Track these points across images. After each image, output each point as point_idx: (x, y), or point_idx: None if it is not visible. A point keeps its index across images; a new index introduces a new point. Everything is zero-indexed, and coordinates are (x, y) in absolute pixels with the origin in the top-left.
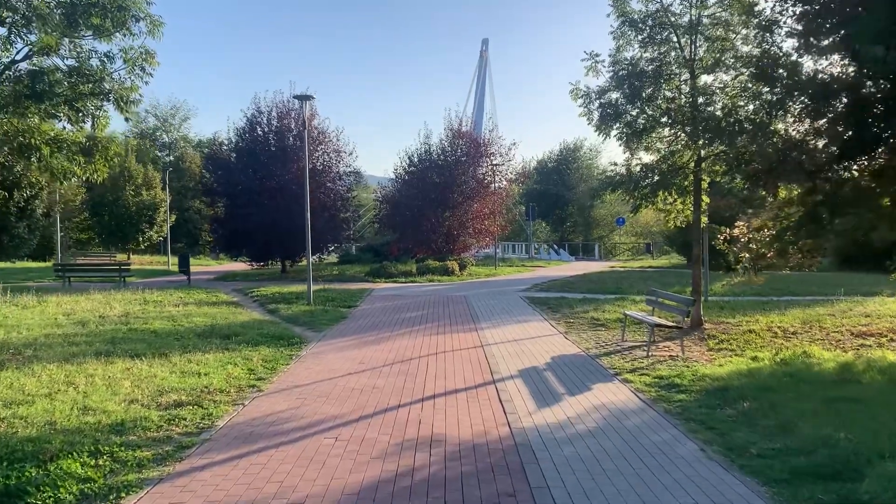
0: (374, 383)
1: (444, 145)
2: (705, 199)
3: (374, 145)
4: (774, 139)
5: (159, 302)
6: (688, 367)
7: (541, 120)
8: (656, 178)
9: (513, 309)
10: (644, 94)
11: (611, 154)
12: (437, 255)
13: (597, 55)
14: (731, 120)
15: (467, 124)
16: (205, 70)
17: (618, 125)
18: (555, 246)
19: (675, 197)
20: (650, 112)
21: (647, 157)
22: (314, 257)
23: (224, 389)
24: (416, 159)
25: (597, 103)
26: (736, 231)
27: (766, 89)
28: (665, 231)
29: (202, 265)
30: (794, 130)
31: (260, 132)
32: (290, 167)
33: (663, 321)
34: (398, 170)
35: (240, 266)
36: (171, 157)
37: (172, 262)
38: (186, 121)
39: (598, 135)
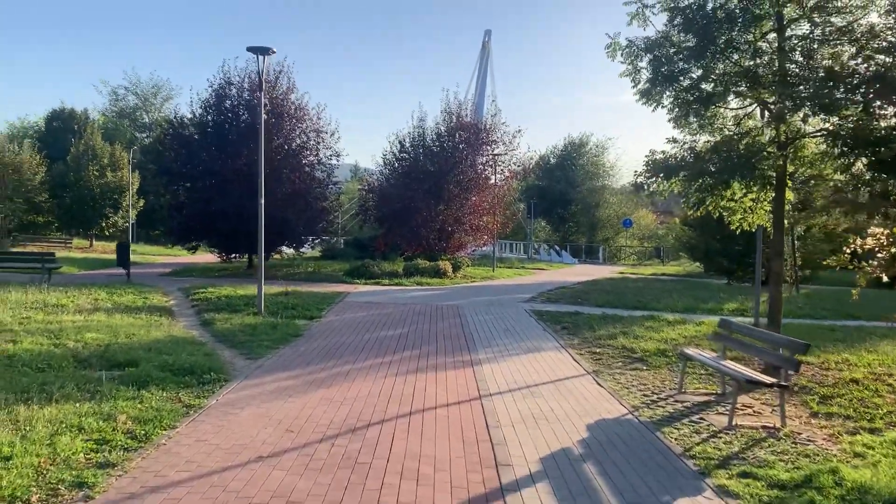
0: (294, 487)
1: (440, 129)
2: (789, 194)
3: (371, 138)
4: None
5: (61, 306)
6: (809, 456)
7: (543, 118)
8: (739, 160)
9: (518, 328)
10: (718, 46)
11: (618, 150)
12: (428, 254)
13: None
14: (869, 73)
15: (467, 108)
16: (190, 54)
17: (671, 90)
18: (556, 247)
19: (754, 190)
20: (723, 69)
21: (703, 136)
22: (289, 251)
23: (18, 498)
24: (407, 144)
25: (646, 59)
26: (870, 241)
27: None
28: (680, 234)
29: (171, 256)
30: None
31: (229, 105)
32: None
33: (758, 376)
34: (387, 155)
35: (207, 258)
36: (151, 139)
37: (132, 249)
38: (168, 101)
39: (645, 103)
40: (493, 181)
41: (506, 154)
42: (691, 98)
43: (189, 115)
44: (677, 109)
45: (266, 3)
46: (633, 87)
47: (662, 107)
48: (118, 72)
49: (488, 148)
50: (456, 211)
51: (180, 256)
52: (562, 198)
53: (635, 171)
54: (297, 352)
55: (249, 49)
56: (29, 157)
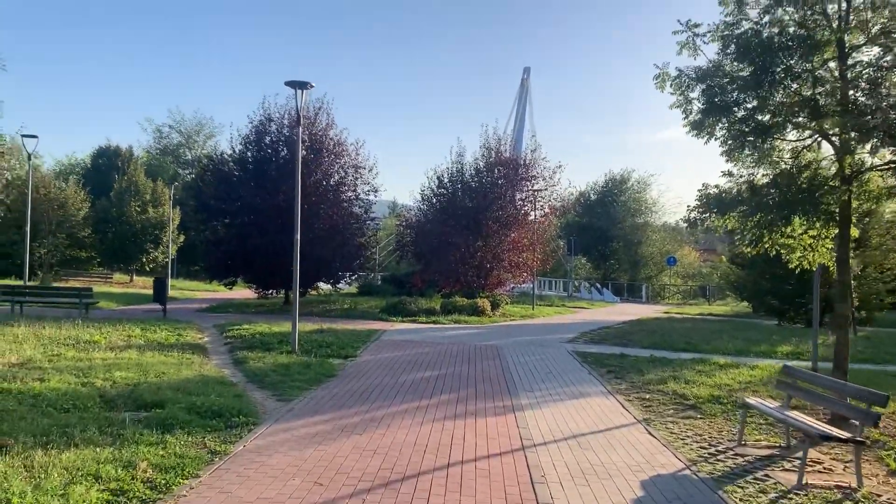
0: None
1: (478, 165)
2: (854, 231)
3: (410, 175)
4: None
5: (94, 343)
6: None
7: (582, 156)
8: (800, 195)
9: (561, 371)
10: (776, 74)
11: (661, 187)
12: (466, 291)
13: (695, 26)
14: None
15: (507, 143)
16: (233, 90)
17: (724, 122)
18: (597, 285)
19: (817, 227)
20: (781, 99)
21: (760, 169)
22: (326, 287)
23: None
24: (445, 179)
25: (698, 89)
26: None
27: None
28: (727, 273)
29: (210, 291)
30: None
31: (268, 141)
32: (302, 182)
33: (832, 430)
34: (425, 191)
35: (245, 294)
36: (193, 175)
37: (171, 284)
38: (211, 138)
39: (697, 136)
40: (532, 217)
41: (546, 190)
42: (746, 129)
43: (229, 152)
44: (731, 142)
45: (307, 42)
46: (685, 118)
47: (715, 139)
48: (163, 109)
49: (528, 183)
50: (495, 247)
51: (219, 292)
52: (602, 235)
53: (688, 206)
54: (330, 394)
55: (288, 83)
56: (74, 193)
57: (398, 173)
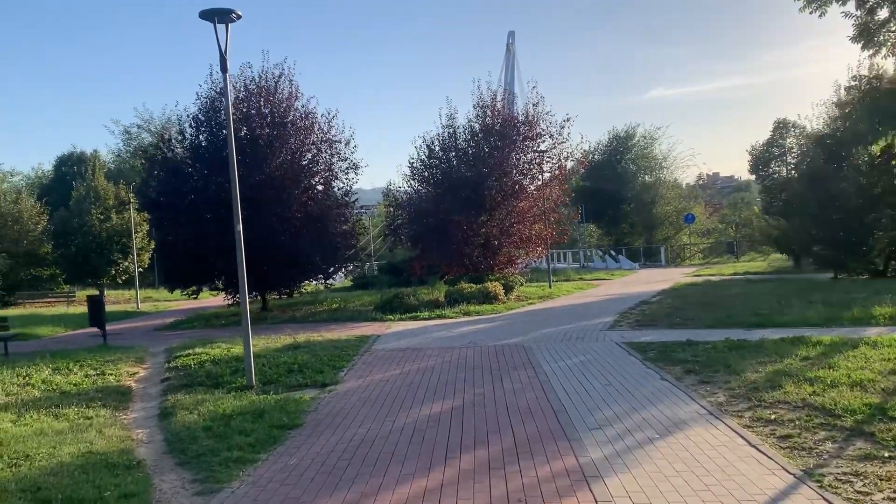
0: None
1: (473, 127)
2: None
3: (404, 160)
4: None
5: None
6: None
7: (574, 122)
8: None
9: (624, 381)
10: None
11: (671, 139)
12: (472, 274)
13: None
14: None
15: (501, 101)
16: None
17: None
18: (611, 251)
19: None
20: None
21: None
22: (313, 283)
23: None
24: (437, 147)
25: None
26: None
27: None
28: (762, 226)
29: (189, 301)
30: None
31: (224, 118)
32: (264, 166)
33: None
34: (414, 163)
35: (221, 301)
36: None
37: (146, 295)
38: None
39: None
40: (541, 182)
41: (555, 148)
42: None
43: (178, 136)
44: None
45: (276, 22)
46: None
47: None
48: (131, 110)
49: (532, 143)
50: (502, 220)
51: (199, 301)
52: (612, 197)
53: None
54: (283, 468)
55: (203, 15)
56: (30, 206)
57: (391, 160)
